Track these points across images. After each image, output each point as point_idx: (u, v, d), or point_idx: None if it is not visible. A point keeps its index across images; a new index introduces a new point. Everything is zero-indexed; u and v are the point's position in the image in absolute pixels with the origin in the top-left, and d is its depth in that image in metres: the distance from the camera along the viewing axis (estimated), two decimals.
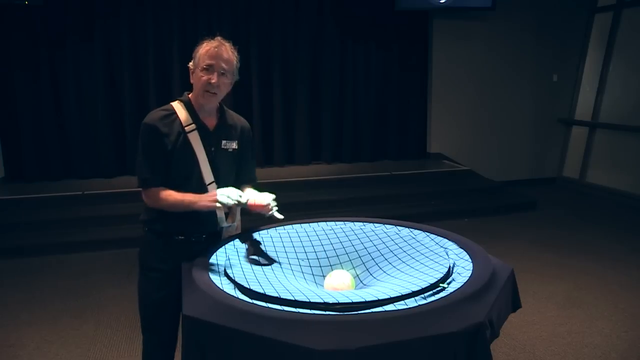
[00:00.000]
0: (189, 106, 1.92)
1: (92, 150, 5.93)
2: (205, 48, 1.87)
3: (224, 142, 1.97)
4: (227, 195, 1.82)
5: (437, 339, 1.32)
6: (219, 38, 1.92)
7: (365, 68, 6.62)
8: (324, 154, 6.68)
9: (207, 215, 1.94)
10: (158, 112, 1.89)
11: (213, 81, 1.86)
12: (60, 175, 5.90)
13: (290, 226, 2.14)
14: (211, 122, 1.95)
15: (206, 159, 1.91)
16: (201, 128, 1.91)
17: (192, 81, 1.92)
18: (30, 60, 5.64)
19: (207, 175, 1.91)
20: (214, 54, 1.86)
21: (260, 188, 2.05)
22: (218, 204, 1.82)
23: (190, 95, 1.95)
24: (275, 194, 1.99)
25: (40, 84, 5.72)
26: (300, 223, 2.17)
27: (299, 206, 5.27)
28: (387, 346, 1.28)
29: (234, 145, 2.01)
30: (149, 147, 1.86)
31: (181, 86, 6.00)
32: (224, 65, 1.88)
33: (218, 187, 1.92)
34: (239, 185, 2.03)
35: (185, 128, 1.87)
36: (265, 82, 6.30)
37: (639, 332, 3.12)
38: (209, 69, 1.85)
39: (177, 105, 1.92)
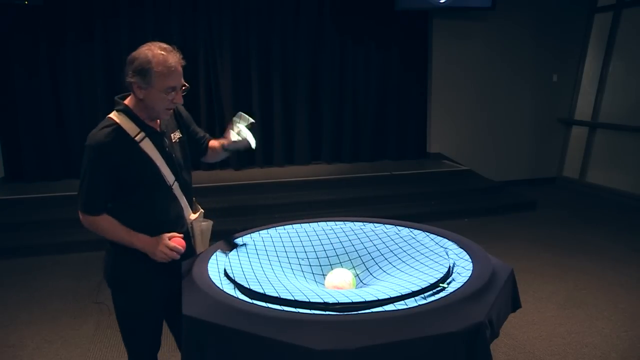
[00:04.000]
0: (131, 115, 1.78)
1: None
2: (162, 69, 1.70)
3: (172, 135, 1.91)
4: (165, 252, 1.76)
5: (437, 339, 1.32)
6: (167, 47, 1.75)
7: (365, 68, 6.62)
8: (323, 154, 6.68)
9: (177, 216, 1.90)
10: (101, 130, 1.73)
11: (179, 101, 1.79)
12: (60, 175, 5.90)
13: (290, 226, 2.14)
14: (155, 123, 1.85)
15: (163, 161, 1.82)
16: (150, 133, 1.80)
17: (140, 97, 1.74)
18: (30, 60, 5.64)
19: (169, 176, 1.84)
20: (176, 74, 1.74)
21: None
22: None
23: (127, 102, 1.81)
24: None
25: (40, 84, 5.71)
26: (300, 223, 2.18)
27: (299, 206, 5.28)
28: (387, 346, 1.28)
29: (178, 134, 1.94)
30: (94, 170, 1.73)
31: None
32: (181, 80, 1.78)
33: (180, 184, 1.89)
34: (207, 144, 2.05)
35: (135, 138, 1.76)
36: (265, 82, 6.30)
37: (639, 332, 3.12)
38: (174, 88, 1.75)
39: (118, 118, 1.77)
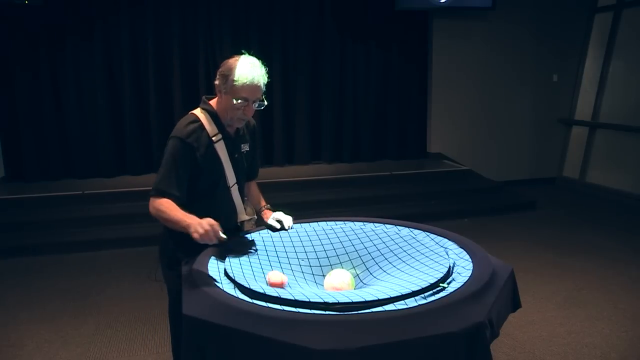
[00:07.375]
0: (214, 117, 1.96)
1: (92, 150, 5.93)
2: (239, 78, 1.84)
3: (242, 145, 2.09)
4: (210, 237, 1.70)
5: (437, 339, 1.32)
6: (255, 62, 1.90)
7: (365, 68, 6.61)
8: (323, 154, 6.68)
9: (229, 214, 2.06)
10: (188, 126, 1.91)
11: (248, 113, 1.93)
12: (60, 175, 5.90)
13: None
14: (232, 129, 2.03)
15: (230, 165, 2.01)
16: (226, 137, 1.99)
17: (219, 100, 1.94)
18: (30, 60, 5.64)
19: (231, 178, 2.02)
20: (254, 89, 1.87)
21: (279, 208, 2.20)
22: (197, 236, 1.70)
23: (212, 103, 1.99)
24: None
25: (40, 84, 5.71)
26: (300, 223, 2.18)
27: (299, 206, 5.26)
28: (387, 346, 1.28)
29: (247, 147, 2.12)
30: (177, 162, 1.87)
31: (181, 86, 6.01)
32: (258, 95, 1.91)
33: (238, 188, 2.07)
34: (248, 181, 2.20)
35: (213, 138, 1.94)
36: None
37: (639, 332, 3.12)
38: (246, 100, 1.88)
39: (202, 116, 1.95)
